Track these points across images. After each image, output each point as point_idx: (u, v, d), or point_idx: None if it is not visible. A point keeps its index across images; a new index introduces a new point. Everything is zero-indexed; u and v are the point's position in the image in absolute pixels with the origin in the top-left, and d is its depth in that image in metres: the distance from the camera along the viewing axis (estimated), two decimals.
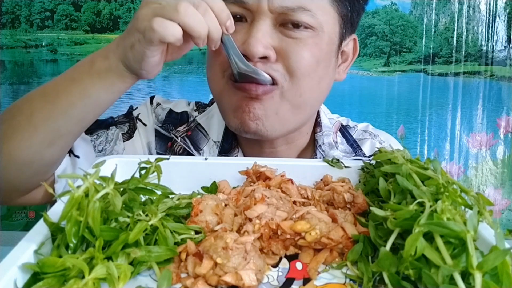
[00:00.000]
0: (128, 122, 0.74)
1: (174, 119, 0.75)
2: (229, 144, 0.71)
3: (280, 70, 0.59)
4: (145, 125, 0.74)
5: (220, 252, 0.35)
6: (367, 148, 0.76)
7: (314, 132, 0.73)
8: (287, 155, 0.71)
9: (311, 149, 0.73)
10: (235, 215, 0.43)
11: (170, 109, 0.76)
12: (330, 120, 0.76)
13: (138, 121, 0.75)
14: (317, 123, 0.73)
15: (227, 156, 0.70)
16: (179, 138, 0.72)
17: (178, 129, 0.74)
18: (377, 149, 0.53)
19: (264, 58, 0.57)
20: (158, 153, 0.73)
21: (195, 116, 0.76)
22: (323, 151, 0.71)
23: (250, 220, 0.40)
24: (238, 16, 0.59)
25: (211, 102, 0.79)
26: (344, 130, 0.78)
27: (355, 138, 0.78)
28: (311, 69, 0.60)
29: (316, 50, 0.60)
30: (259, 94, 0.58)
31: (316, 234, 0.38)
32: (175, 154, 0.72)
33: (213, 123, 0.73)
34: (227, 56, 0.56)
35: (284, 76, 0.59)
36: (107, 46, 0.54)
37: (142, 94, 1.53)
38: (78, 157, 0.66)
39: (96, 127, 0.71)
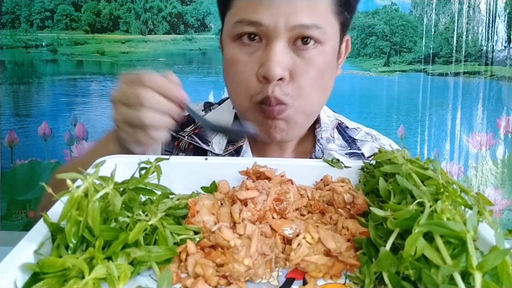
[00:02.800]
0: None
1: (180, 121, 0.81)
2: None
3: (290, 93, 0.63)
4: None
5: (244, 274, 0.36)
6: (366, 150, 0.78)
7: (314, 127, 0.78)
8: (291, 143, 0.77)
9: (312, 142, 0.78)
10: (231, 213, 0.43)
11: None
12: (328, 117, 0.81)
13: None
14: (317, 120, 0.78)
15: (234, 145, 0.75)
16: (186, 137, 0.77)
17: (185, 130, 0.79)
18: (376, 152, 0.54)
19: (280, 79, 0.62)
20: (166, 151, 0.77)
21: (202, 116, 0.81)
22: (321, 144, 0.76)
23: (245, 205, 0.41)
24: (252, 35, 0.62)
25: (222, 101, 0.84)
26: (340, 128, 0.82)
27: (357, 138, 0.81)
28: (318, 84, 0.66)
29: (323, 65, 0.65)
30: (276, 114, 0.64)
31: (317, 275, 0.38)
32: (181, 150, 0.77)
33: (223, 118, 0.79)
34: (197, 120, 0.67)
35: (293, 97, 0.64)
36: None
37: None
38: None
39: None
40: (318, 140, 0.76)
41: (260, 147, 0.76)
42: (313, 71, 0.64)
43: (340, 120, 0.83)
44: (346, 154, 0.75)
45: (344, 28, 0.68)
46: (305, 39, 0.62)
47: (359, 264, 0.38)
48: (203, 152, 0.75)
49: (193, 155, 0.75)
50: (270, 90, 0.62)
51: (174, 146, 0.78)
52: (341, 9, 0.64)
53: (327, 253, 0.39)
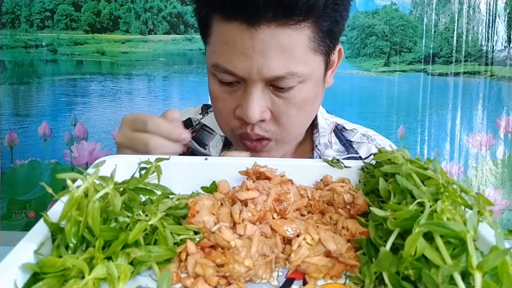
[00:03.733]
0: None
1: None
2: None
3: (271, 130, 0.64)
4: None
5: (244, 274, 0.36)
6: (363, 152, 0.78)
7: (311, 132, 0.78)
8: (287, 148, 0.76)
9: (310, 147, 0.78)
10: (231, 213, 0.43)
11: None
12: (325, 120, 0.80)
13: None
14: (315, 125, 0.78)
15: (230, 148, 0.76)
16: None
17: None
18: (372, 152, 0.54)
19: (261, 120, 0.63)
20: None
21: (200, 119, 0.82)
22: (319, 150, 0.76)
23: (245, 205, 0.41)
24: (230, 82, 0.62)
25: None
26: (337, 131, 0.81)
27: (354, 140, 0.81)
28: (301, 117, 0.66)
29: (303, 101, 0.63)
30: (257, 147, 0.66)
31: (318, 276, 0.38)
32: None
33: None
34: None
35: (275, 133, 0.65)
36: None
37: (142, 94, 1.53)
38: None
39: None
40: (316, 146, 0.76)
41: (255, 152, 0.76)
42: (294, 109, 0.63)
43: (337, 122, 0.82)
44: (343, 159, 0.75)
45: (329, 52, 0.65)
46: (280, 86, 0.61)
47: (360, 264, 0.38)
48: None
49: None
50: (249, 129, 0.63)
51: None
52: (321, 43, 0.61)
53: (328, 254, 0.39)
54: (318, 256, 0.38)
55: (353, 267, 0.38)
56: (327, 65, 0.66)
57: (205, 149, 0.76)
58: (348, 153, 0.77)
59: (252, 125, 0.63)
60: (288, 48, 0.58)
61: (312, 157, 0.75)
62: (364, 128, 0.85)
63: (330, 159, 0.71)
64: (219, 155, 0.68)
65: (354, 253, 0.39)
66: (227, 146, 0.76)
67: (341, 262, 0.38)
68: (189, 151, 0.77)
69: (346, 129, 0.82)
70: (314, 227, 0.41)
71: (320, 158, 0.74)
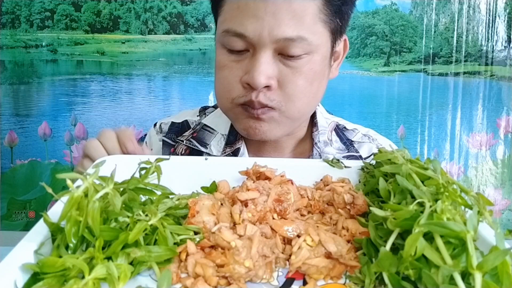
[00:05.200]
0: None
1: (176, 128, 0.83)
2: (234, 136, 0.77)
3: (276, 99, 0.63)
4: (151, 149, 0.82)
5: (244, 275, 0.36)
6: (364, 151, 0.79)
7: (311, 131, 0.78)
8: (288, 145, 0.77)
9: (309, 145, 0.78)
10: (231, 213, 0.43)
11: (172, 122, 0.85)
12: (326, 120, 0.81)
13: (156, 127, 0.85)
14: (314, 123, 0.78)
15: (232, 147, 0.75)
16: (185, 141, 0.79)
17: (183, 134, 0.81)
18: (373, 152, 0.54)
19: (266, 87, 0.62)
20: None
21: (198, 120, 0.83)
22: (319, 148, 0.76)
23: (245, 205, 0.41)
24: (239, 49, 0.62)
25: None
26: (338, 130, 0.82)
27: (355, 140, 0.81)
28: (306, 91, 0.65)
29: (311, 73, 0.64)
30: (259, 115, 0.64)
31: (318, 277, 0.38)
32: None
33: (222, 120, 0.79)
34: None
35: (280, 102, 0.64)
36: None
37: (142, 94, 1.53)
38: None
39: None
40: (316, 143, 0.76)
41: (256, 150, 0.76)
42: (301, 79, 0.63)
43: (337, 122, 0.83)
44: (344, 157, 0.75)
45: (336, 33, 0.66)
46: (289, 53, 0.61)
47: (360, 265, 0.38)
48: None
49: None
50: (254, 96, 0.62)
51: (170, 153, 0.79)
52: (330, 18, 0.63)
53: (328, 255, 0.39)
54: (319, 257, 0.38)
55: (353, 268, 0.38)
56: (333, 46, 0.68)
57: (207, 148, 0.76)
58: (348, 152, 0.78)
59: (257, 92, 0.62)
60: (299, 13, 0.60)
61: (311, 155, 0.75)
62: (365, 128, 0.85)
63: (330, 157, 0.70)
64: None
65: (355, 254, 0.39)
66: (229, 144, 0.76)
67: (342, 263, 0.38)
68: (186, 153, 0.78)
69: (347, 129, 0.83)
70: (314, 228, 0.41)
71: (320, 156, 0.74)
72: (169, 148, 0.80)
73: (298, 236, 0.41)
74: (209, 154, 0.75)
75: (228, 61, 0.64)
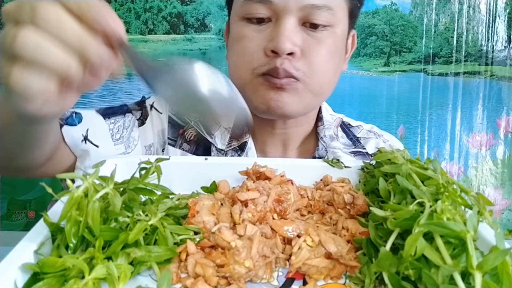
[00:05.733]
0: (141, 110, 0.77)
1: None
2: (241, 130, 0.74)
3: (301, 69, 0.62)
4: (160, 113, 0.77)
5: (244, 275, 0.36)
6: (371, 147, 0.78)
7: (316, 126, 0.77)
8: (295, 137, 0.75)
9: (314, 140, 0.77)
10: (231, 213, 0.43)
11: None
12: (331, 116, 0.80)
13: (153, 109, 0.77)
14: (319, 118, 0.77)
15: (238, 140, 0.73)
16: (193, 121, 0.75)
17: None
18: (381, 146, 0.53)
19: (290, 54, 0.60)
20: (169, 139, 0.75)
21: None
22: (324, 142, 0.75)
23: (245, 205, 0.41)
24: (261, 17, 0.61)
25: None
26: (344, 126, 0.81)
27: (360, 136, 0.80)
28: (329, 64, 0.65)
29: (333, 46, 0.64)
30: (283, 84, 0.62)
31: (319, 277, 0.38)
32: (186, 141, 0.74)
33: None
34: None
35: (305, 73, 0.62)
36: None
37: (142, 94, 1.53)
38: (97, 146, 0.67)
39: (113, 113, 0.73)
40: (321, 138, 0.75)
41: (263, 144, 0.75)
42: (324, 50, 0.63)
43: (342, 118, 0.83)
44: (350, 152, 0.75)
45: (352, 17, 0.67)
46: (314, 25, 0.61)
47: (360, 266, 0.38)
48: (207, 146, 0.73)
49: (196, 148, 0.74)
50: (278, 62, 0.60)
51: (178, 135, 0.75)
52: None
53: (328, 255, 0.39)
54: (319, 258, 0.38)
55: (353, 268, 0.38)
56: (349, 30, 0.69)
57: (211, 137, 0.73)
58: (355, 147, 0.77)
59: (282, 59, 0.60)
60: None
61: (317, 149, 0.74)
62: (368, 124, 0.85)
63: (337, 151, 0.69)
64: None
65: (354, 254, 0.39)
66: (234, 138, 0.74)
67: (342, 264, 0.38)
68: (195, 139, 0.74)
69: (352, 126, 0.82)
70: (314, 228, 0.41)
71: (326, 151, 0.73)
72: (177, 129, 0.76)
73: (298, 236, 0.41)
74: (214, 146, 0.73)
75: (248, 30, 0.63)
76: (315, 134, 0.77)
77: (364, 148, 0.77)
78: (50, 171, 0.61)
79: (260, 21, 0.62)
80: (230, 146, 0.73)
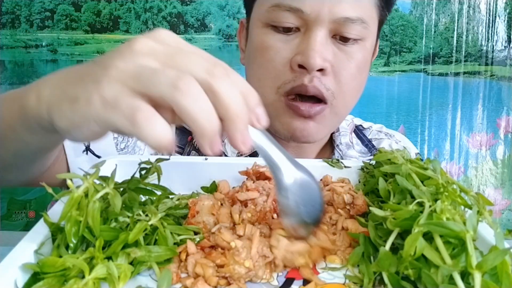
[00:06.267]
0: None
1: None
2: None
3: (331, 88, 0.58)
4: None
5: (244, 275, 0.36)
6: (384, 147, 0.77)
7: (331, 132, 0.74)
8: (311, 151, 0.71)
9: (329, 148, 0.74)
10: (231, 213, 0.43)
11: None
12: (345, 121, 0.77)
13: None
14: None
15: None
16: None
17: None
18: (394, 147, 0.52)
19: (320, 70, 0.56)
20: (177, 147, 0.71)
21: None
22: (340, 150, 0.72)
23: (245, 205, 0.41)
24: (289, 27, 0.57)
25: None
26: (358, 131, 0.79)
27: (371, 138, 0.78)
28: (357, 82, 0.61)
29: (362, 61, 0.60)
30: (312, 115, 0.58)
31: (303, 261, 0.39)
32: (195, 149, 0.71)
33: None
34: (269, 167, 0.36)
35: (333, 94, 0.59)
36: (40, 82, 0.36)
37: None
38: (99, 157, 0.64)
39: None
40: (337, 145, 0.72)
41: None
42: (354, 67, 0.59)
43: (355, 123, 0.80)
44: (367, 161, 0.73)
45: (380, 26, 0.64)
46: (344, 38, 0.57)
47: (334, 248, 0.40)
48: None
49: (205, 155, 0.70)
50: (306, 80, 0.56)
51: (186, 142, 0.71)
52: (383, 4, 0.60)
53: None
54: (297, 243, 0.39)
55: (327, 250, 0.39)
56: (376, 41, 0.65)
57: (222, 145, 0.69)
58: (371, 154, 0.74)
59: (310, 76, 0.55)
60: None
61: (332, 158, 0.72)
62: (377, 124, 0.83)
63: (353, 160, 0.64)
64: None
65: (333, 236, 0.41)
66: None
67: (318, 246, 0.39)
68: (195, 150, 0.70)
69: (364, 128, 0.80)
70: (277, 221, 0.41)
71: (342, 158, 0.69)
72: (186, 136, 0.71)
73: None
74: (225, 154, 0.69)
75: (273, 40, 0.57)
76: (330, 141, 0.74)
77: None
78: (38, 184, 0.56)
79: (287, 30, 0.57)
80: (241, 155, 0.70)
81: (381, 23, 0.63)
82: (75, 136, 0.32)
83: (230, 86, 0.30)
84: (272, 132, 0.63)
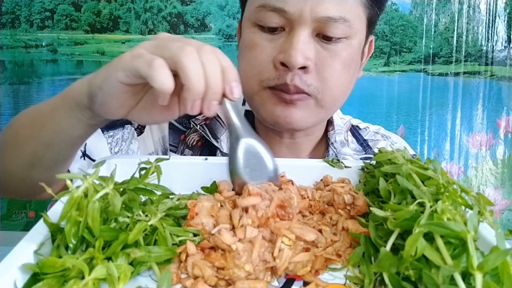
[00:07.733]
0: None
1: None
2: None
3: (313, 84, 0.59)
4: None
5: (243, 279, 0.36)
6: None
7: (326, 130, 0.75)
8: (304, 147, 0.73)
9: (324, 145, 0.75)
10: (230, 216, 0.43)
11: None
12: (342, 120, 0.78)
13: None
14: (330, 122, 0.75)
15: None
16: (198, 126, 0.72)
17: (197, 117, 0.73)
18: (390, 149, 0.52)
19: (302, 68, 0.58)
20: (171, 145, 0.73)
21: None
22: (335, 148, 0.73)
23: (246, 211, 0.41)
24: (274, 27, 0.59)
25: None
26: (354, 131, 0.79)
27: (367, 139, 0.79)
28: (343, 78, 0.62)
29: (348, 59, 0.61)
30: (293, 100, 0.60)
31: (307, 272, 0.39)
32: (188, 147, 0.72)
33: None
34: (226, 125, 0.47)
35: (317, 89, 0.60)
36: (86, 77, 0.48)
37: None
38: (94, 160, 0.65)
39: (112, 126, 0.71)
40: (332, 143, 0.72)
41: (272, 151, 0.74)
42: (338, 64, 0.60)
43: (352, 122, 0.81)
44: (361, 159, 0.74)
45: (370, 25, 0.64)
46: (328, 37, 0.58)
47: (337, 259, 0.39)
48: (212, 151, 0.71)
49: (200, 153, 0.71)
50: (288, 78, 0.58)
51: (180, 141, 0.73)
52: (370, 3, 0.61)
53: (307, 249, 0.39)
54: (300, 252, 0.39)
55: (330, 260, 0.39)
56: (367, 38, 0.65)
57: (217, 142, 0.71)
58: (365, 153, 0.75)
59: (292, 75, 0.57)
60: None
61: (327, 155, 0.72)
62: (375, 126, 0.83)
63: (347, 157, 0.67)
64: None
65: (331, 243, 0.40)
66: None
67: (321, 256, 0.39)
68: (198, 144, 0.70)
69: (360, 128, 0.81)
70: (285, 226, 0.41)
71: (337, 156, 0.71)
72: (178, 135, 0.73)
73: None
74: (220, 150, 0.70)
75: (260, 39, 0.60)
76: (325, 139, 0.75)
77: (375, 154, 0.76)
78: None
79: (272, 30, 0.59)
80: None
81: (371, 21, 0.64)
82: (104, 91, 0.43)
83: (213, 60, 0.41)
84: (260, 120, 0.68)
